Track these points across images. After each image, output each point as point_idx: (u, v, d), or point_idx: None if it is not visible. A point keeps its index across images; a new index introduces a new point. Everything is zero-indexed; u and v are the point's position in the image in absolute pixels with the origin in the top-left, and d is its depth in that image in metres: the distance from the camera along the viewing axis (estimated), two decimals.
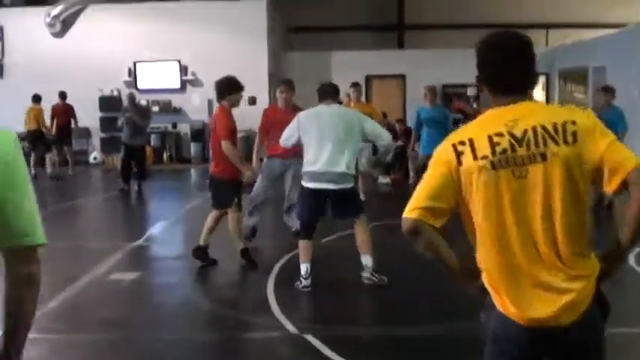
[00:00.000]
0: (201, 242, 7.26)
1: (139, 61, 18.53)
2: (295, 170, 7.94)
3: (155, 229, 9.80)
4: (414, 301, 6.13)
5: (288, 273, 6.83)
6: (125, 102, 13.91)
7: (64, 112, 15.78)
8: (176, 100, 18.78)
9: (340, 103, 7.69)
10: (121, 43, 18.47)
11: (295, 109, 8.03)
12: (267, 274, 6.88)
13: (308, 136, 6.35)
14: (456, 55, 20.18)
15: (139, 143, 13.07)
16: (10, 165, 1.85)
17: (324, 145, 6.25)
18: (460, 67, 19.71)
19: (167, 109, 18.58)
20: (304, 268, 6.37)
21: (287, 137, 6.54)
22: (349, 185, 6.40)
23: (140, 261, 7.95)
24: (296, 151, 7.31)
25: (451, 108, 15.74)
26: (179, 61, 18.52)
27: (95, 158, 18.99)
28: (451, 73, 19.27)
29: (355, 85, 10.59)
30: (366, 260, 6.44)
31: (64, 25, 18.82)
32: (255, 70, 17.38)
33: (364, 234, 6.46)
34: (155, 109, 18.29)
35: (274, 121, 7.92)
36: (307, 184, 6.39)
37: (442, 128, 10.60)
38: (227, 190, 7.12)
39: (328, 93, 6.58)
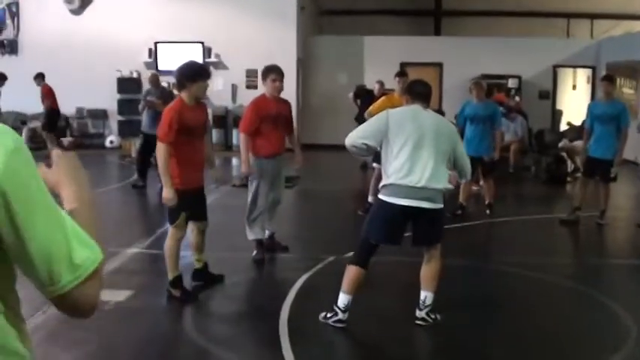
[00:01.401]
0: (197, 265, 6.23)
1: (160, 42, 17.55)
2: (285, 170, 7.30)
3: (161, 232, 8.49)
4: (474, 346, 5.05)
5: (308, 300, 5.77)
6: (147, 84, 12.82)
7: (44, 94, 14.94)
8: None
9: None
10: (141, 22, 17.52)
11: (281, 100, 7.08)
12: (281, 301, 5.72)
13: (400, 139, 5.00)
14: (497, 44, 18.94)
15: None
16: (7, 195, 1.28)
17: (423, 152, 4.97)
18: (501, 56, 18.59)
19: None
20: (344, 299, 5.11)
21: (364, 135, 5.12)
22: (442, 205, 5.13)
23: (134, 274, 6.80)
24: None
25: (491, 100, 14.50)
26: (202, 43, 17.48)
27: (112, 142, 18.08)
28: (491, 63, 18.06)
29: (401, 74, 9.22)
30: (427, 297, 5.24)
31: (82, 2, 17.86)
32: (283, 54, 16.26)
33: (437, 265, 5.24)
34: (176, 92, 17.30)
35: (267, 114, 6.86)
36: (393, 199, 5.01)
37: (488, 126, 9.51)
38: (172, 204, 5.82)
39: (425, 95, 5.28)
